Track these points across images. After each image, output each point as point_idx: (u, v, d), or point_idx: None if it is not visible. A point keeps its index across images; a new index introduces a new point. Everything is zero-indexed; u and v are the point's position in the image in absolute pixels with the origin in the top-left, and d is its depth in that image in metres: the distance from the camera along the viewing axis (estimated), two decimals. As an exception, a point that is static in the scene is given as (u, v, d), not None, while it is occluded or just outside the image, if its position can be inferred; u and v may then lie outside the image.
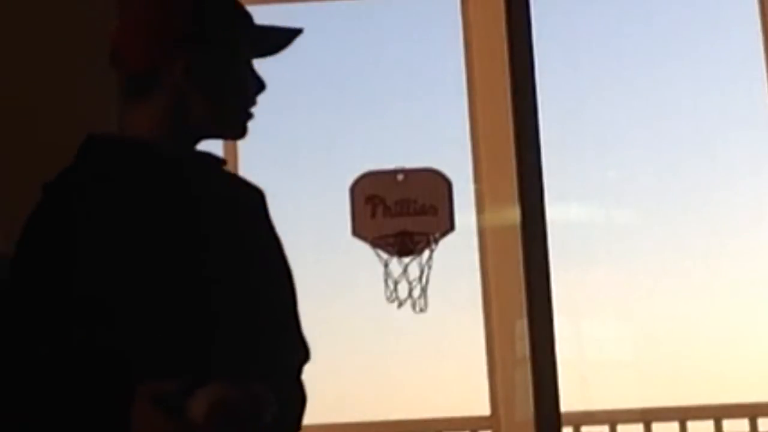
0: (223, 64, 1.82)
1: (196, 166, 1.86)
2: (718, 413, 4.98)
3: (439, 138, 5.09)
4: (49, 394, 1.67)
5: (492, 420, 4.86)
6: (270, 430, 1.64)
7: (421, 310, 4.72)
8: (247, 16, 1.87)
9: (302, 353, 1.86)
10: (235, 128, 1.89)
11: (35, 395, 1.68)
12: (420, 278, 4.72)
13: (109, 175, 1.79)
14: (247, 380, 1.62)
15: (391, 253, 4.72)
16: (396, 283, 4.73)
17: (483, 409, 4.87)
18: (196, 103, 1.81)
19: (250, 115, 1.88)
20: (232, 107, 1.85)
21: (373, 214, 4.69)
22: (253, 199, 1.90)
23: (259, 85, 1.87)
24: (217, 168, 1.90)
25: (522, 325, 3.68)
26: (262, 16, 1.92)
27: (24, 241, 1.78)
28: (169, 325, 1.71)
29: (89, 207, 1.76)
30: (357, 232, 4.70)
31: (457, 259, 4.91)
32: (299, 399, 1.83)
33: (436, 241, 4.72)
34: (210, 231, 1.79)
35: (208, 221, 1.80)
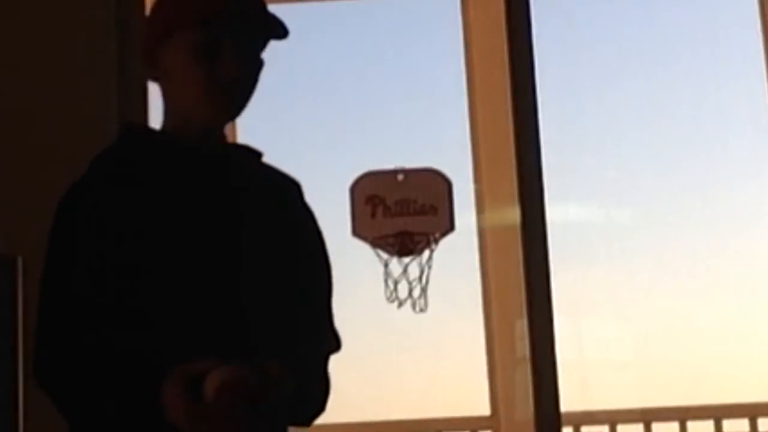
0: (193, 57, 1.80)
1: (225, 158, 1.89)
2: (718, 413, 4.98)
3: (439, 138, 5.09)
4: (85, 380, 1.69)
5: (492, 420, 4.86)
6: (285, 410, 1.65)
7: (421, 310, 4.72)
8: (241, 3, 1.84)
9: (333, 342, 1.90)
10: (219, 115, 1.85)
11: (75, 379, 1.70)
12: (420, 278, 4.71)
13: (135, 167, 1.83)
14: (265, 360, 1.63)
15: (391, 253, 4.71)
16: (396, 283, 4.72)
17: (483, 409, 4.87)
18: (178, 97, 1.84)
19: (231, 98, 1.84)
20: (203, 96, 1.82)
21: (373, 214, 4.68)
22: (290, 189, 1.96)
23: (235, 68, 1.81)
24: (255, 160, 1.94)
25: (522, 325, 3.69)
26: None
27: (59, 223, 1.80)
28: (204, 313, 1.73)
29: (121, 196, 1.79)
30: (357, 232, 4.69)
31: (457, 259, 4.91)
32: (322, 384, 1.84)
33: (436, 241, 4.71)
34: (243, 221, 1.83)
35: (243, 210, 1.83)
